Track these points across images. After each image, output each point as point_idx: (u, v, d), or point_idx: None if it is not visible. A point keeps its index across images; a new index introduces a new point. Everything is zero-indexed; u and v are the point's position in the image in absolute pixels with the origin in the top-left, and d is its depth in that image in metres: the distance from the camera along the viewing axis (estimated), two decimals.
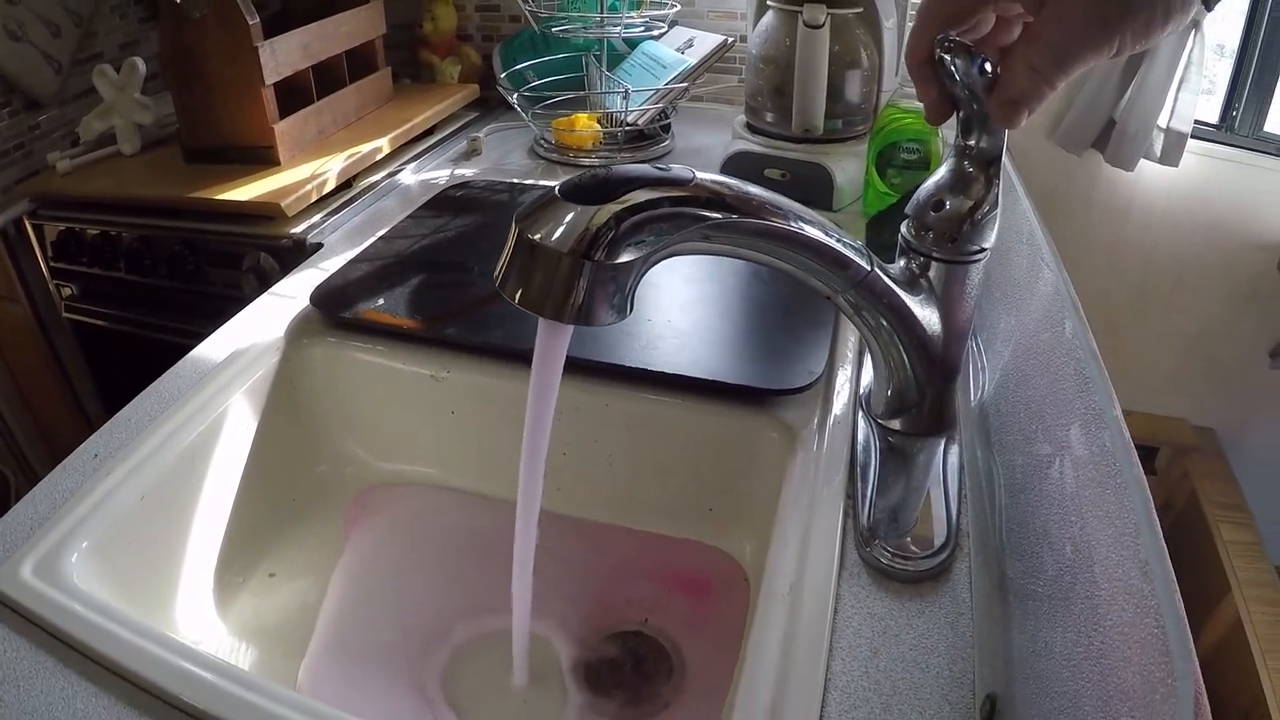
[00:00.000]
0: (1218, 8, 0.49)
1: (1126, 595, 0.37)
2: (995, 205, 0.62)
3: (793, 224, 0.54)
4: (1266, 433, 2.13)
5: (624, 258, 0.48)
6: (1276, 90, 1.83)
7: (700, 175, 0.51)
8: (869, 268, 0.59)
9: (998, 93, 0.52)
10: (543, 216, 0.48)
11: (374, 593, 0.83)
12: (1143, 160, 1.83)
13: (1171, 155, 1.79)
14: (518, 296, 0.49)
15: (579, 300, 0.48)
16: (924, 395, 0.69)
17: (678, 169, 0.51)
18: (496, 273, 0.50)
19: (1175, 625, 0.33)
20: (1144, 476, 0.41)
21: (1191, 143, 1.80)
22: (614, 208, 0.47)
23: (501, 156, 1.45)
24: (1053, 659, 0.44)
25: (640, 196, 0.48)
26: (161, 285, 1.28)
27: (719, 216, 0.51)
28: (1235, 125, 1.88)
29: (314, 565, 0.85)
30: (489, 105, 1.69)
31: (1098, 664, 0.39)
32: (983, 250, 0.63)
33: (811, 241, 0.55)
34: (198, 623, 0.75)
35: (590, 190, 0.48)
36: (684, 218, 0.50)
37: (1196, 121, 1.79)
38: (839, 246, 0.57)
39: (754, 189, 0.53)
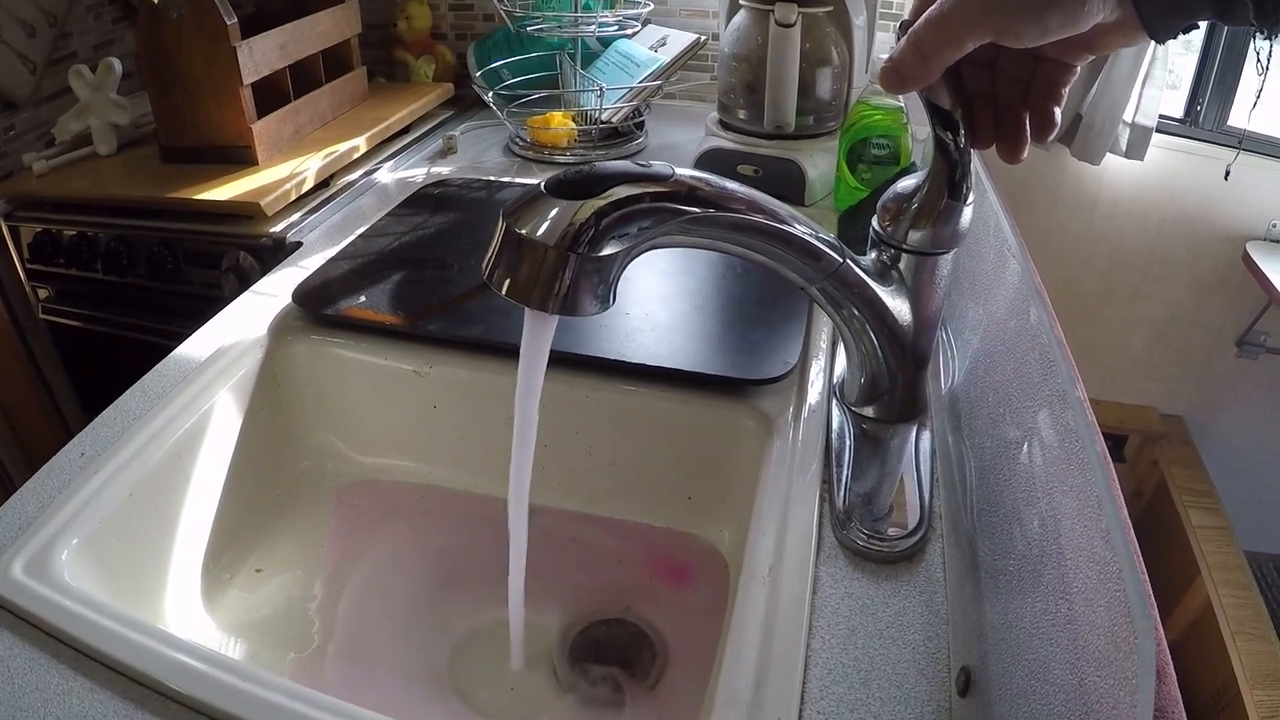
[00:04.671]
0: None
1: (1091, 563, 0.39)
2: (964, 199, 0.64)
3: (767, 218, 0.56)
4: (1233, 420, 2.17)
5: (607, 250, 0.49)
6: (1240, 84, 1.86)
7: (680, 171, 0.52)
8: (840, 259, 0.61)
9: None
10: (529, 211, 0.50)
11: (358, 586, 0.84)
12: (1109, 154, 1.86)
13: (1137, 149, 1.83)
14: (505, 288, 0.50)
15: (564, 291, 0.49)
16: (895, 382, 0.70)
17: (658, 165, 0.52)
18: (484, 265, 0.51)
19: (1135, 588, 0.35)
20: (1106, 452, 0.43)
21: (1156, 137, 1.83)
22: (597, 203, 0.49)
23: (477, 154, 1.46)
24: (1023, 629, 0.46)
25: (622, 192, 0.50)
26: (140, 286, 1.28)
27: (697, 211, 0.53)
28: (1200, 119, 1.91)
29: (299, 560, 0.86)
30: (464, 104, 1.70)
31: (1066, 630, 0.41)
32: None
33: (785, 234, 0.57)
34: (186, 618, 0.76)
35: (574, 186, 0.50)
36: (664, 212, 0.51)
37: (1161, 116, 1.82)
38: (811, 239, 0.59)
39: (730, 184, 0.55)
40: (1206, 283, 2.02)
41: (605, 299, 0.52)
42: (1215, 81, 1.88)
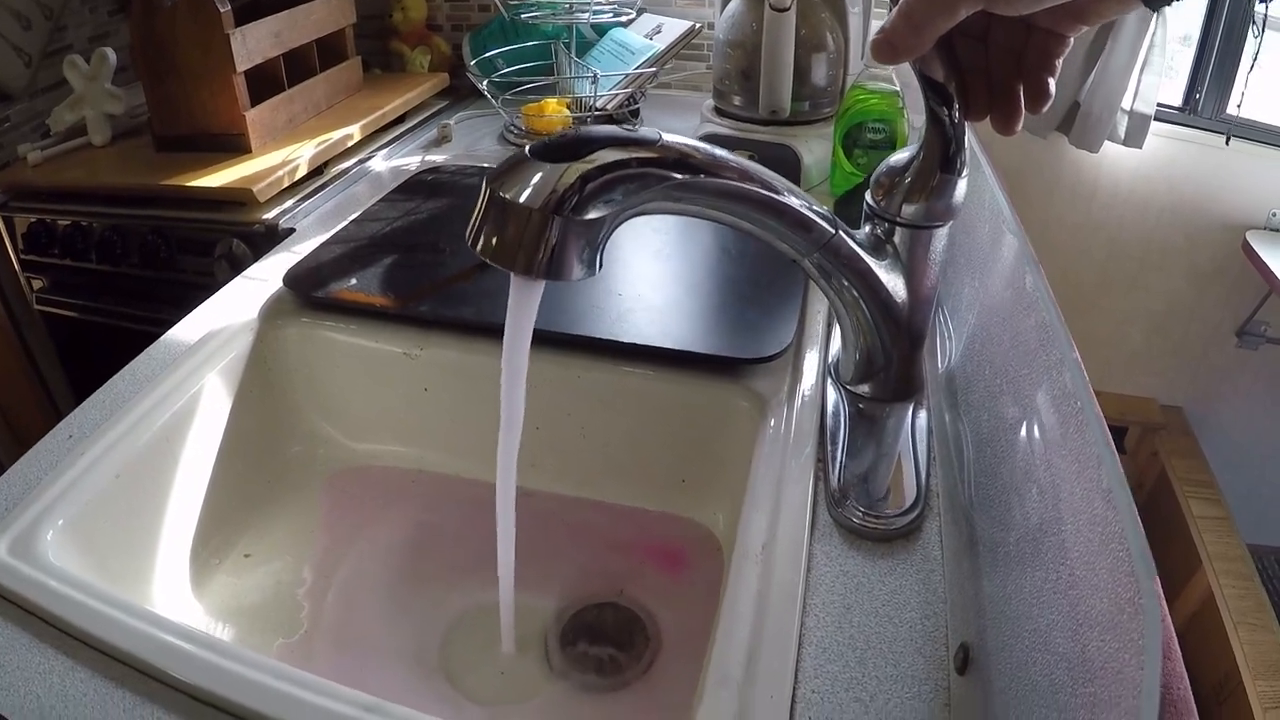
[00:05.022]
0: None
1: (1092, 525, 0.38)
2: (959, 172, 0.63)
3: (757, 186, 0.55)
4: (1233, 412, 2.16)
5: (592, 214, 0.49)
6: (1238, 73, 1.86)
7: (667, 137, 0.52)
8: (833, 231, 0.60)
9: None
10: (513, 175, 0.49)
11: (348, 572, 0.83)
12: (1107, 142, 1.85)
13: (1135, 137, 1.82)
14: (489, 253, 0.50)
15: (548, 255, 0.49)
16: (890, 360, 0.70)
17: (645, 130, 0.52)
18: (468, 231, 0.51)
19: (1139, 546, 0.34)
20: (1101, 413, 0.42)
21: (1155, 125, 1.82)
22: (582, 166, 0.49)
23: (472, 143, 1.45)
24: (1023, 600, 0.45)
25: (608, 156, 0.49)
26: (133, 275, 1.28)
27: (684, 176, 0.52)
28: (1198, 107, 1.91)
29: (289, 546, 0.85)
30: (459, 94, 1.69)
31: (1066, 595, 0.40)
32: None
33: (775, 203, 0.56)
34: (174, 602, 0.75)
35: (560, 149, 0.49)
36: (649, 177, 0.51)
37: (1160, 104, 1.82)
38: (803, 210, 0.58)
39: (719, 151, 0.54)
40: (1205, 273, 2.01)
41: (591, 264, 0.51)
42: (1213, 70, 1.87)
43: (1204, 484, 1.96)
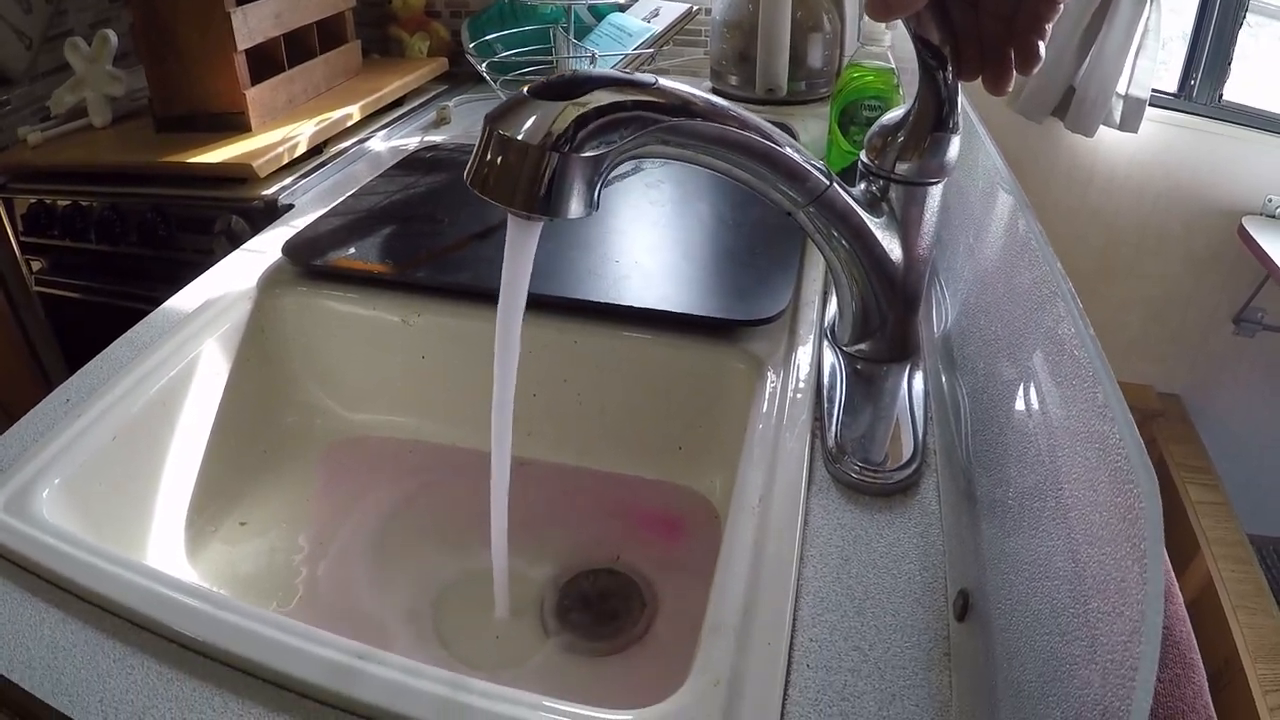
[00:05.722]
0: None
1: (1089, 442, 0.38)
2: (953, 129, 0.64)
3: (752, 133, 0.55)
4: (1231, 401, 2.16)
5: (590, 151, 0.49)
6: (1234, 58, 1.86)
7: (663, 81, 0.52)
8: (828, 183, 0.60)
9: None
10: (512, 114, 0.50)
11: (344, 541, 0.83)
12: (1103, 127, 1.85)
13: (1131, 121, 1.82)
14: (488, 190, 0.50)
15: (546, 191, 0.49)
16: (885, 320, 0.70)
17: (641, 74, 0.52)
18: (467, 171, 0.51)
19: (1138, 457, 0.34)
20: (1096, 338, 0.42)
21: (1151, 110, 1.83)
22: (579, 105, 0.49)
23: (471, 125, 1.45)
24: (1022, 535, 0.45)
25: (605, 96, 0.50)
26: (132, 254, 1.28)
27: (679, 119, 0.52)
28: (1194, 93, 1.91)
29: (285, 515, 0.85)
30: (458, 79, 1.69)
31: (1065, 520, 0.40)
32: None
33: (770, 152, 0.57)
34: (169, 568, 0.74)
35: (558, 89, 0.50)
36: (645, 119, 0.51)
37: (1155, 90, 1.82)
38: (797, 158, 0.58)
39: (715, 99, 0.55)
40: (1201, 259, 2.01)
41: (589, 202, 0.51)
42: (1208, 56, 1.87)
43: (1202, 470, 1.96)
